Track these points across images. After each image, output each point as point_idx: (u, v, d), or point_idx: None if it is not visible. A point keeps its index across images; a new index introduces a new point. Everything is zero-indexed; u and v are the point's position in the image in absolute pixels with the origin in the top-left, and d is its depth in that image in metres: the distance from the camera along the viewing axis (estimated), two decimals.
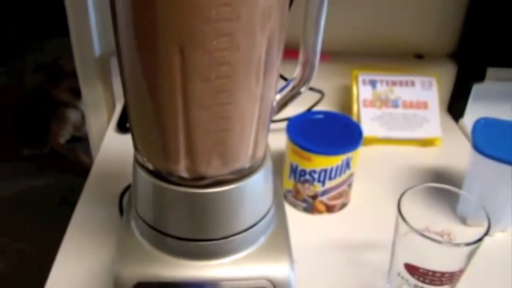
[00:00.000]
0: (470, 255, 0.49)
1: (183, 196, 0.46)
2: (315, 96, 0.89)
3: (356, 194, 0.73)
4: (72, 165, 2.11)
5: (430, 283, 0.51)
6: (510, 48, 0.84)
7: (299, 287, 0.50)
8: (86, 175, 0.76)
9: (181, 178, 0.45)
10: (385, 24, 0.95)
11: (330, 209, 0.71)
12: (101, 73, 0.91)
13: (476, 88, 0.91)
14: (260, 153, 0.48)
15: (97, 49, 0.89)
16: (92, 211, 0.69)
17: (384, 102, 0.87)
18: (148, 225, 0.49)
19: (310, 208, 0.70)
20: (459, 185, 0.55)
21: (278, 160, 0.71)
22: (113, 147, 0.85)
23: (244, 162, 0.46)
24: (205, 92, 0.40)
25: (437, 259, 0.50)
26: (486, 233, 0.48)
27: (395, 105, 0.87)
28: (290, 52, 0.54)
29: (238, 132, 0.44)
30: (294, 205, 0.72)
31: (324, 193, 0.69)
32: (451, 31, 0.96)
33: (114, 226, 0.66)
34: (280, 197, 0.58)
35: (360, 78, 0.89)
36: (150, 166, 0.47)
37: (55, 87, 2.19)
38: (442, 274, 0.50)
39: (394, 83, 0.88)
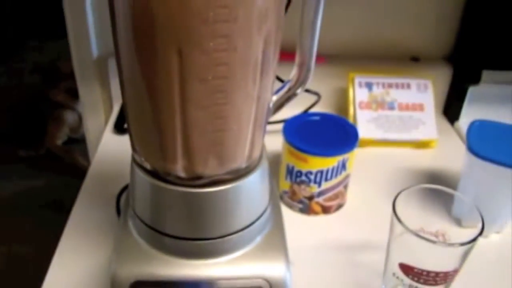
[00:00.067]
0: (465, 256, 0.50)
1: (180, 196, 0.46)
2: (312, 98, 0.90)
3: (352, 195, 0.74)
4: (68, 167, 2.11)
5: (425, 283, 0.51)
6: (506, 50, 0.85)
7: None
8: (83, 177, 0.76)
9: (178, 177, 0.46)
10: (381, 27, 0.95)
11: (326, 210, 0.71)
12: (99, 75, 0.91)
13: (472, 91, 0.91)
14: (256, 153, 0.49)
15: (94, 51, 0.89)
16: (89, 212, 0.69)
17: (380, 104, 0.88)
18: (146, 224, 0.49)
19: (306, 209, 0.71)
20: (454, 187, 0.56)
21: (275, 161, 0.72)
22: (111, 148, 0.85)
23: (240, 162, 0.47)
24: (202, 93, 0.40)
25: (432, 259, 0.50)
26: (480, 234, 0.49)
27: (391, 107, 0.87)
28: (286, 55, 0.55)
29: (235, 132, 0.44)
30: (290, 206, 0.72)
31: (320, 194, 0.69)
32: (446, 34, 0.96)
33: (111, 226, 0.66)
34: (276, 197, 0.58)
35: (356, 81, 0.89)
36: (148, 166, 0.47)
37: (52, 88, 2.19)
38: (437, 274, 0.50)
39: (390, 86, 0.89)
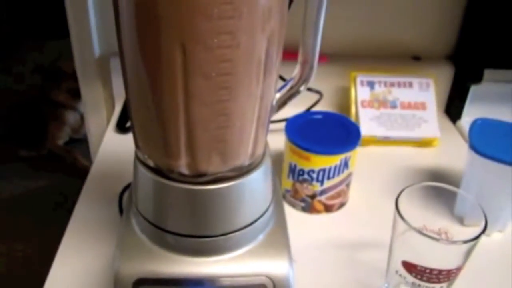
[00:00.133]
0: (468, 253, 0.50)
1: (183, 193, 0.46)
2: (314, 97, 0.90)
3: (354, 193, 0.74)
4: (69, 167, 2.11)
5: (428, 281, 0.51)
6: (507, 49, 0.85)
7: (297, 286, 0.50)
8: (84, 177, 0.76)
9: (182, 174, 0.46)
10: (383, 26, 0.95)
11: (328, 208, 0.71)
12: (101, 74, 0.91)
13: (474, 90, 0.91)
14: (259, 150, 0.49)
15: (96, 50, 0.89)
16: (92, 211, 0.69)
17: (382, 103, 0.88)
18: (149, 221, 0.49)
19: (308, 207, 0.71)
20: (456, 186, 0.56)
21: (277, 160, 0.72)
22: (113, 147, 0.85)
23: (244, 159, 0.47)
24: (206, 89, 0.40)
25: (435, 257, 0.50)
26: (484, 231, 0.49)
27: (393, 106, 0.87)
28: (289, 54, 0.55)
29: (238, 129, 0.44)
30: (292, 205, 0.72)
31: (322, 192, 0.69)
32: (448, 33, 0.96)
33: (113, 225, 0.66)
34: (279, 195, 0.58)
35: (358, 80, 0.89)
36: (151, 163, 0.47)
37: (53, 89, 2.19)
38: (440, 271, 0.50)
39: (392, 84, 0.89)
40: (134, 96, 0.45)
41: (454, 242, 0.49)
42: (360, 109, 0.87)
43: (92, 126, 0.96)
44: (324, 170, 0.67)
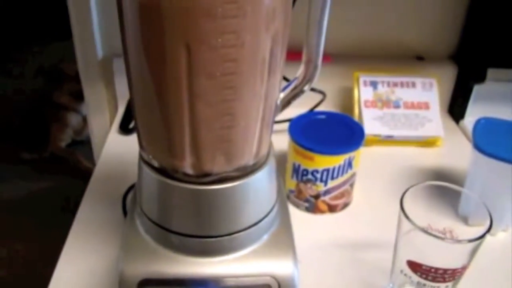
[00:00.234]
0: (473, 252, 0.49)
1: (188, 193, 0.46)
2: (317, 97, 0.90)
3: (358, 194, 0.74)
4: (72, 169, 2.11)
5: (433, 280, 0.51)
6: (511, 49, 0.85)
7: (301, 286, 0.50)
8: (87, 179, 0.76)
9: (186, 175, 0.46)
10: (386, 26, 0.95)
11: (332, 208, 0.71)
12: (104, 75, 0.91)
13: (477, 89, 0.91)
14: (264, 150, 0.49)
15: (99, 51, 0.89)
16: (95, 212, 0.69)
17: (385, 103, 0.88)
18: (153, 222, 0.49)
19: (312, 208, 0.71)
20: (460, 186, 0.56)
21: (280, 160, 0.71)
22: (116, 148, 0.85)
23: (248, 159, 0.47)
24: (210, 89, 0.40)
25: (440, 256, 0.50)
26: (489, 230, 0.49)
27: (396, 106, 0.87)
28: (292, 54, 0.55)
29: (242, 129, 0.44)
30: (296, 205, 0.72)
31: (326, 192, 0.69)
32: (451, 33, 0.96)
33: (117, 226, 0.66)
34: (283, 195, 0.58)
35: (361, 80, 0.89)
36: (155, 163, 0.47)
37: (55, 90, 2.19)
38: (445, 271, 0.50)
39: (395, 84, 0.89)
40: (139, 96, 0.45)
41: (459, 241, 0.49)
42: (363, 109, 0.87)
43: (95, 127, 0.95)
44: (328, 170, 0.67)
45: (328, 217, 0.71)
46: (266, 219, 0.50)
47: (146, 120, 0.46)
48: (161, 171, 0.47)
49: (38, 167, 2.15)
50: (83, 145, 2.21)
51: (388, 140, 0.86)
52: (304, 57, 0.51)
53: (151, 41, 0.39)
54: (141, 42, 0.40)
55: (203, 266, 0.48)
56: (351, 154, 0.67)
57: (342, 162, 0.67)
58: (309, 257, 0.62)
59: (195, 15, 0.37)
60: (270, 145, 0.52)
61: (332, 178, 0.68)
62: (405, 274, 0.53)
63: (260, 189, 0.49)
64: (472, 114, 0.93)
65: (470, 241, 0.48)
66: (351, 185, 0.71)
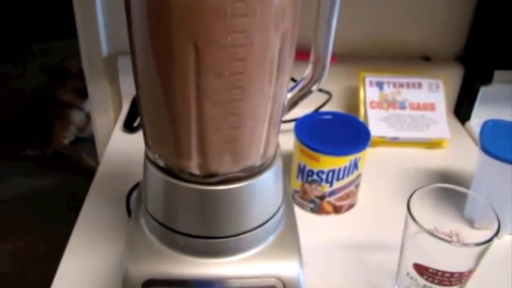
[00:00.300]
0: (480, 256, 0.49)
1: (194, 193, 0.46)
2: (323, 97, 0.89)
3: (364, 195, 0.73)
4: (75, 166, 2.11)
5: (439, 284, 0.51)
6: None
7: None
8: (90, 177, 0.76)
9: (192, 175, 0.45)
10: (392, 27, 0.95)
11: (337, 209, 0.71)
12: (108, 73, 0.91)
13: (483, 91, 0.91)
14: (271, 151, 0.49)
15: (104, 49, 0.89)
16: (99, 211, 0.69)
17: (391, 103, 0.87)
18: (158, 222, 0.49)
19: (317, 208, 0.70)
20: (466, 188, 0.55)
21: (286, 160, 0.71)
22: (120, 147, 0.85)
23: (255, 159, 0.46)
24: (218, 88, 0.40)
25: (447, 259, 0.50)
26: (497, 233, 0.48)
27: (402, 106, 0.87)
28: (299, 54, 0.54)
29: (250, 129, 0.44)
30: (301, 206, 0.72)
31: (331, 193, 0.68)
32: (458, 34, 0.96)
33: (121, 225, 0.66)
34: (289, 196, 0.58)
35: (367, 80, 0.89)
36: (161, 163, 0.47)
37: (59, 88, 2.19)
38: (452, 274, 0.50)
39: (401, 85, 0.88)
40: (145, 95, 0.45)
41: (467, 245, 0.49)
42: (369, 110, 0.87)
43: (99, 125, 0.95)
44: (333, 171, 0.66)
45: (333, 218, 0.71)
46: (272, 220, 0.50)
47: (152, 119, 0.46)
48: (167, 170, 0.47)
49: (40, 164, 2.15)
50: (86, 142, 2.21)
51: (394, 141, 0.86)
52: (312, 57, 0.50)
53: (159, 40, 0.39)
54: (149, 41, 0.40)
55: (208, 267, 0.48)
56: (357, 155, 0.66)
57: (348, 163, 0.66)
58: (314, 258, 0.61)
59: (204, 14, 0.37)
60: (277, 145, 0.51)
61: (338, 179, 0.67)
62: (411, 277, 0.52)
63: (266, 190, 0.49)
64: (478, 116, 0.92)
65: (478, 244, 0.48)
66: (357, 186, 0.71)
